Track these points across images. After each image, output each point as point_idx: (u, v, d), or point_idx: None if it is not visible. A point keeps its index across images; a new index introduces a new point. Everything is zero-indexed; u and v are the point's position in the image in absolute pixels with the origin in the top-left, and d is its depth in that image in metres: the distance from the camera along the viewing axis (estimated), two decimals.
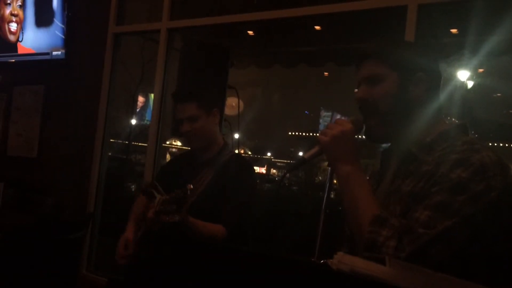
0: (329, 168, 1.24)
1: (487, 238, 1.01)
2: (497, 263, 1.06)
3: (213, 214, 1.90)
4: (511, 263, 1.09)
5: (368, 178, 1.30)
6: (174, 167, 2.30)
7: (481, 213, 1.00)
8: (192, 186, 1.69)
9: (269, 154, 34.42)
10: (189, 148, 2.22)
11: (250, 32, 4.43)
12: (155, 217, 1.69)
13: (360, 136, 1.27)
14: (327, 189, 1.25)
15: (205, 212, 1.91)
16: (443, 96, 1.27)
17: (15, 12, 4.26)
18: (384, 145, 1.37)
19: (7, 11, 4.32)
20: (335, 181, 1.25)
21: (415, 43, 1.35)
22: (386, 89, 1.20)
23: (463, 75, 8.63)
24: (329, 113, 25.40)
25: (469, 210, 0.99)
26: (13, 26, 4.29)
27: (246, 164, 2.14)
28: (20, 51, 4.30)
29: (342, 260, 0.68)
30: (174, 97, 2.14)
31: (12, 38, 4.31)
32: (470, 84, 8.81)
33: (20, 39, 4.27)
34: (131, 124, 17.82)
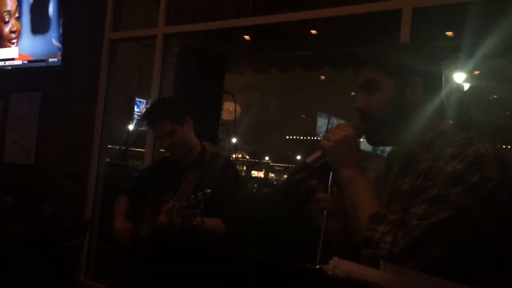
0: (331, 173, 1.24)
1: (486, 232, 1.00)
2: (498, 260, 1.03)
3: (205, 213, 1.96)
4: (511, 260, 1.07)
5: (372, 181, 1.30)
6: (155, 172, 2.39)
7: (478, 205, 0.98)
8: (209, 190, 1.79)
9: (267, 158, 34.44)
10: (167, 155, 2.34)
11: (246, 37, 4.44)
12: (169, 221, 1.83)
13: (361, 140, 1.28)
14: (329, 187, 1.25)
15: None
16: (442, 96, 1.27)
17: (14, 28, 4.29)
18: (389, 148, 1.38)
19: (7, 29, 4.34)
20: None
21: (410, 46, 1.34)
22: (382, 97, 1.21)
23: (459, 77, 8.66)
24: (326, 117, 25.48)
25: (465, 201, 0.98)
26: (14, 41, 4.32)
27: (228, 162, 2.30)
28: (16, 58, 4.30)
29: (338, 265, 0.68)
30: (147, 119, 2.21)
31: (13, 50, 4.34)
32: (466, 86, 8.85)
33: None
34: (128, 129, 17.85)
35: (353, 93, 1.30)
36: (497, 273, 1.04)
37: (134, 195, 2.34)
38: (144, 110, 3.28)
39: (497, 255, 1.03)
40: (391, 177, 1.26)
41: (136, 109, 18.16)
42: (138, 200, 2.28)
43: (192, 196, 1.80)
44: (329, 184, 1.25)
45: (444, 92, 1.28)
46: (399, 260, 0.96)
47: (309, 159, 1.23)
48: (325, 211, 1.23)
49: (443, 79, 1.26)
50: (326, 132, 1.25)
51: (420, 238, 0.97)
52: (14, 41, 4.30)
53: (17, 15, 4.27)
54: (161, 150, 3.81)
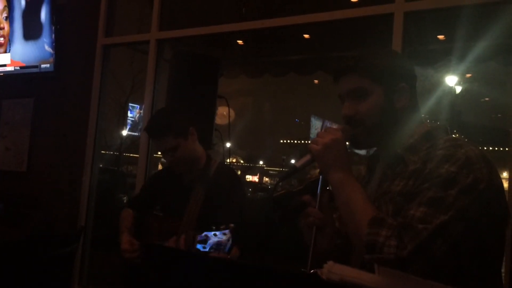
0: (320, 176, 1.24)
1: (479, 230, 1.03)
2: (488, 256, 1.08)
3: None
4: (501, 256, 1.13)
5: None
6: (161, 184, 2.29)
7: (474, 205, 1.02)
8: (233, 226, 1.73)
9: (261, 162, 34.45)
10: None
11: (240, 42, 4.46)
12: (187, 249, 1.80)
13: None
14: (318, 198, 1.25)
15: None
16: (432, 101, 1.29)
17: (1, 25, 4.25)
18: (370, 151, 1.39)
19: None
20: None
21: (394, 52, 1.34)
22: (372, 104, 1.22)
23: (451, 81, 8.74)
24: (320, 120, 25.53)
25: (462, 203, 1.02)
26: (1, 39, 4.27)
27: (234, 177, 2.20)
28: (8, 64, 4.28)
29: (332, 270, 0.68)
30: (148, 133, 2.14)
31: (5, 56, 4.29)
32: (458, 89, 8.93)
33: (7, 51, 4.26)
34: (122, 135, 17.81)
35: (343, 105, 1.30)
36: (486, 269, 1.08)
37: (140, 206, 2.26)
38: (145, 120, 3.20)
39: (487, 251, 1.08)
40: (375, 179, 1.27)
41: (129, 115, 18.14)
42: (144, 211, 2.21)
43: (214, 229, 1.72)
44: (318, 192, 1.24)
45: (435, 96, 1.30)
46: (407, 263, 0.98)
47: (298, 163, 1.22)
48: (314, 227, 1.22)
49: (417, 82, 1.29)
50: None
51: (426, 241, 0.99)
52: (2, 39, 4.24)
53: (5, 14, 4.22)
54: (154, 155, 3.80)
